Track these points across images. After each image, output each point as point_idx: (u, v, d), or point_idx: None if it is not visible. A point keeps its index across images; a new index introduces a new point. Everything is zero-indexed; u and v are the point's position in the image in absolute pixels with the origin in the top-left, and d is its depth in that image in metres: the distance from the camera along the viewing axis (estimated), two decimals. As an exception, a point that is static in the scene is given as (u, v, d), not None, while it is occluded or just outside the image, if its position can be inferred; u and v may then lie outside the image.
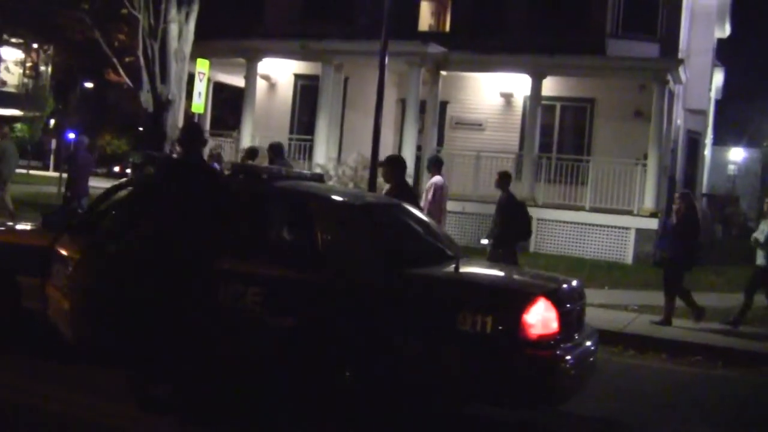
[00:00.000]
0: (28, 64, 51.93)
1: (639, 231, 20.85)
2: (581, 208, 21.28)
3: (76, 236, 7.59)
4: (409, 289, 6.42)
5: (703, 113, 29.90)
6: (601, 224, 21.12)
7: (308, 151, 23.39)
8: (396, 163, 10.31)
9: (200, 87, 18.22)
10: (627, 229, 20.95)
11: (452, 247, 7.65)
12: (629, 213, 21.00)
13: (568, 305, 6.64)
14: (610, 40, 22.95)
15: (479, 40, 22.71)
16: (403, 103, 23.38)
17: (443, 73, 22.87)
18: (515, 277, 7.22)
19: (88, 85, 52.30)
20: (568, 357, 6.38)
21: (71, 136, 46.37)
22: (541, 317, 6.17)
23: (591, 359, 6.91)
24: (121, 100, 51.63)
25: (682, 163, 27.99)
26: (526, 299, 6.23)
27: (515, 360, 6.10)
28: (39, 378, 7.20)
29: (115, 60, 19.59)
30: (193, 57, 20.15)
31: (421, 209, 9.91)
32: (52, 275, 7.57)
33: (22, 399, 6.62)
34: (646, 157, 21.59)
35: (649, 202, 21.03)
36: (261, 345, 6.67)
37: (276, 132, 24.38)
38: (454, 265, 6.72)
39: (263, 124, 24.49)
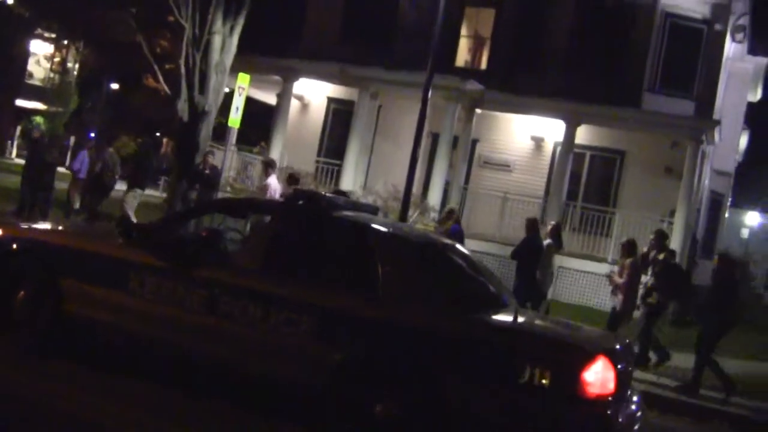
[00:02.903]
0: (56, 59, 52.06)
1: (659, 288, 20.68)
2: (603, 260, 21.11)
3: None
4: (469, 334, 6.35)
5: (729, 175, 29.89)
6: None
7: (335, 176, 23.36)
8: None
9: (239, 101, 18.22)
10: (648, 284, 20.74)
11: (505, 293, 7.58)
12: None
13: (622, 364, 6.57)
14: (646, 94, 22.92)
15: (515, 81, 22.72)
16: (433, 136, 23.35)
17: (478, 111, 22.86)
18: (574, 332, 7.12)
19: (114, 86, 52.51)
20: (622, 419, 6.30)
21: (92, 135, 46.57)
22: (600, 376, 6.07)
23: (640, 421, 6.81)
24: (144, 104, 51.81)
25: (704, 223, 27.89)
26: (586, 356, 6.14)
27: (571, 417, 6.01)
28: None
29: (155, 66, 19.57)
30: (231, 71, 20.21)
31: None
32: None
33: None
34: (672, 214, 21.51)
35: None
36: (316, 374, 6.56)
37: (304, 152, 24.45)
38: (512, 314, 6.64)
39: (292, 144, 24.50)
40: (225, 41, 19.44)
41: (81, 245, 8.04)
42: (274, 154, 23.58)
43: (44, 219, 17.42)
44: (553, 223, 16.06)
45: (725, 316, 12.22)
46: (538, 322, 7.20)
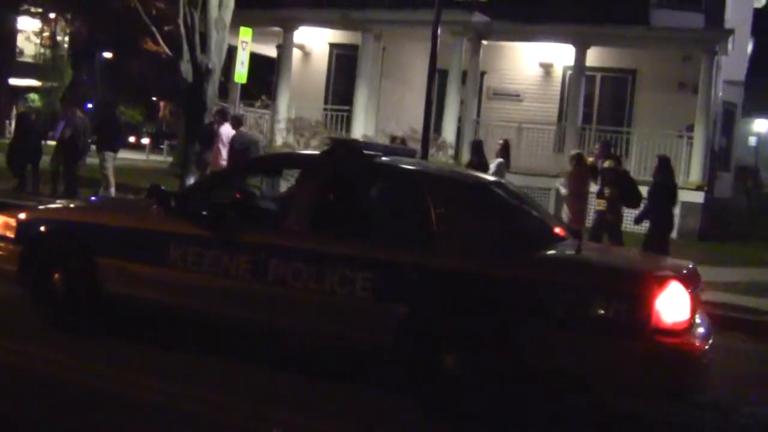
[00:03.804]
0: (45, 34, 51.40)
1: (684, 204, 20.45)
2: (625, 181, 20.84)
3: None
4: (534, 274, 6.08)
5: (740, 84, 29.44)
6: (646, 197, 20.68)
7: (345, 122, 23.02)
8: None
9: (243, 56, 17.83)
10: (673, 202, 20.54)
11: (559, 227, 7.33)
12: (674, 186, 20.59)
13: (693, 287, 6.32)
14: (653, 10, 22.51)
15: (519, 9, 22.17)
16: (440, 72, 22.94)
17: (484, 42, 22.45)
18: (640, 259, 6.87)
19: (107, 55, 51.99)
20: (699, 344, 6.08)
21: (90, 106, 46.19)
22: (674, 302, 5.83)
23: (712, 342, 6.59)
24: (140, 71, 51.29)
25: (719, 135, 27.54)
26: (658, 283, 5.87)
27: (649, 348, 5.74)
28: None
29: (154, 29, 19.17)
30: (230, 26, 19.80)
31: None
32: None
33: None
34: (688, 129, 21.22)
35: (695, 176, 20.69)
36: (380, 332, 6.29)
37: (311, 102, 24.10)
38: (574, 247, 6.40)
39: (298, 95, 24.14)
40: (223, -4, 19.01)
41: (115, 221, 7.71)
42: (281, 105, 23.30)
43: (34, 190, 17.44)
44: (501, 141, 16.05)
45: (665, 217, 12.70)
46: (602, 253, 6.94)
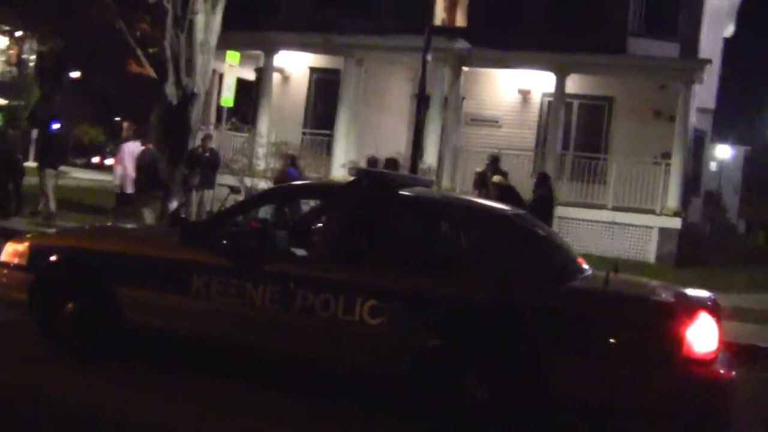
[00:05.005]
0: (11, 52, 50.85)
1: (662, 230, 20.80)
2: (603, 207, 21.14)
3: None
4: (562, 306, 6.15)
5: (710, 112, 29.94)
6: (624, 223, 21.01)
7: (325, 147, 23.04)
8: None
9: (230, 80, 17.83)
10: (650, 228, 20.89)
11: (578, 258, 7.44)
12: (652, 212, 20.92)
13: (718, 316, 6.45)
14: (630, 39, 22.89)
15: (498, 36, 22.37)
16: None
17: (465, 69, 22.63)
18: (668, 290, 6.97)
19: (74, 74, 51.62)
20: (726, 372, 6.20)
21: (56, 126, 45.62)
22: (704, 332, 5.96)
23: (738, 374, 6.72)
24: (106, 89, 50.99)
25: (690, 161, 27.93)
26: (689, 314, 6.01)
27: (680, 378, 5.85)
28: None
29: (139, 50, 19.08)
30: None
31: None
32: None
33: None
34: (664, 156, 21.53)
35: (672, 202, 20.98)
36: (408, 361, 6.31)
37: (289, 125, 24.07)
38: (599, 279, 6.51)
39: (276, 118, 24.06)
40: (208, 19, 18.96)
41: (133, 249, 7.57)
42: (262, 129, 23.22)
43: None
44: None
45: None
46: (630, 284, 7.04)
